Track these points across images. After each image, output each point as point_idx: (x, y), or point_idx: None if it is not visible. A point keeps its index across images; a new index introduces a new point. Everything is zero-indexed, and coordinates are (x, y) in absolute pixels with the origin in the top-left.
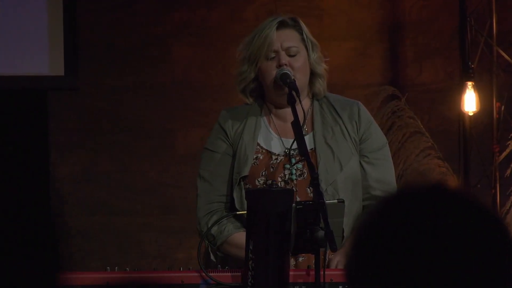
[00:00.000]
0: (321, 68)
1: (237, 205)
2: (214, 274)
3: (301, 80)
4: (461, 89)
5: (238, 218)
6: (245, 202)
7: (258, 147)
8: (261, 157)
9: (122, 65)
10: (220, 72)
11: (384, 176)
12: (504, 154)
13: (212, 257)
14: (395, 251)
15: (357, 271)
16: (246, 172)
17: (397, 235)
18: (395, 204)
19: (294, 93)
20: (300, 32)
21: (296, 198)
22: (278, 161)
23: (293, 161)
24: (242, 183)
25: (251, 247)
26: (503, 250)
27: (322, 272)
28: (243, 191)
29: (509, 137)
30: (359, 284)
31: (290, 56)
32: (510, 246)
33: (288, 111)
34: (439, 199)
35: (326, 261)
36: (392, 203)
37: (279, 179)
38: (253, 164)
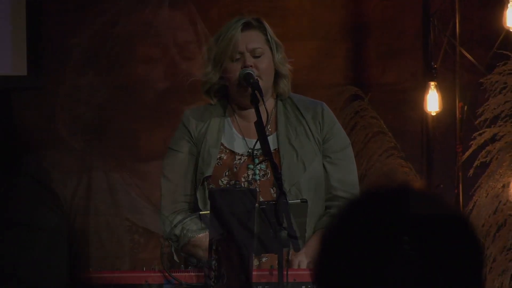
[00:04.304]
0: (286, 68)
1: (200, 205)
2: (178, 274)
3: (266, 81)
4: (424, 89)
5: (202, 218)
6: (208, 202)
7: (221, 147)
8: (224, 157)
9: (85, 64)
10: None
11: (347, 177)
12: (467, 154)
13: (175, 257)
14: (361, 254)
15: (324, 275)
16: (209, 172)
17: (363, 238)
18: (361, 206)
19: (257, 93)
20: (265, 33)
21: (260, 199)
22: (241, 162)
23: (257, 161)
24: (205, 183)
25: (214, 247)
26: (470, 250)
27: (285, 272)
28: (207, 191)
29: (472, 137)
30: (327, 286)
31: (255, 57)
32: (477, 246)
33: (252, 111)
34: (404, 200)
35: (288, 261)
36: (358, 205)
37: (243, 179)
38: (216, 164)
